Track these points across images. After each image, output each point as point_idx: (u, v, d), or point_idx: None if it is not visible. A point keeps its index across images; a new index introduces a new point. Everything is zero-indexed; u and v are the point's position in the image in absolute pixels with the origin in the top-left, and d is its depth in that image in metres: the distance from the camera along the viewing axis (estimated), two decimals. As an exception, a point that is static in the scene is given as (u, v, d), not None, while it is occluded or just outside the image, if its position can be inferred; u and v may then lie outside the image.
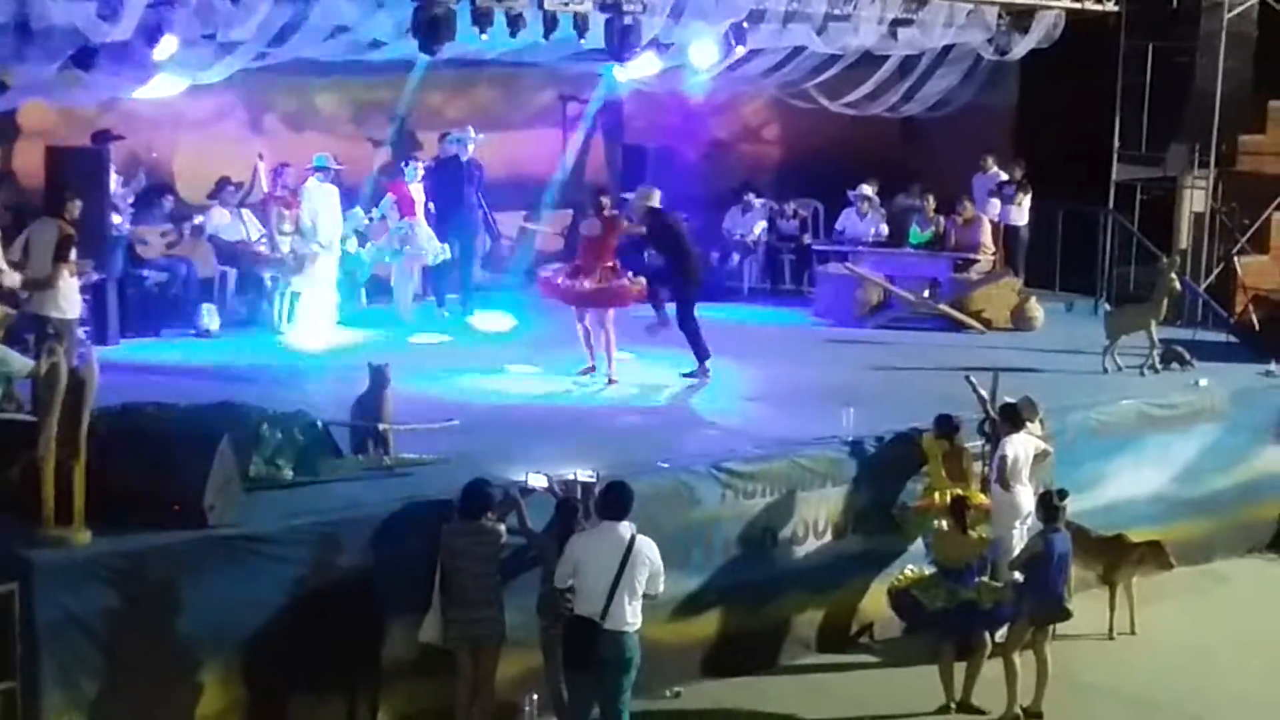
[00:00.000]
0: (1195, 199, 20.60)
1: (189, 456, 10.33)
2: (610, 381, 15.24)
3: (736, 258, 20.64)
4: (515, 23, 15.22)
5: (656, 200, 15.79)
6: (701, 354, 15.53)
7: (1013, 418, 13.12)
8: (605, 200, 15.73)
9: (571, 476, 11.33)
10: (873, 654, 13.37)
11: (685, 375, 15.53)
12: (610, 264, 15.39)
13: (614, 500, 10.54)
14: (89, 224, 13.93)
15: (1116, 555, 13.83)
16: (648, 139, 20.84)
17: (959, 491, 12.66)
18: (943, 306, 18.90)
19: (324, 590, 10.63)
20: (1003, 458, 12.91)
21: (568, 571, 10.45)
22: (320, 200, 17.02)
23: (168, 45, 14.35)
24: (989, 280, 19.27)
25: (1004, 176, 20.64)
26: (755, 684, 12.59)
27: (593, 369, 15.47)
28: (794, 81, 19.54)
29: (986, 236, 19.75)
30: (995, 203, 20.34)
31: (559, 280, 15.56)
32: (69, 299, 13.13)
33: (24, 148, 17.08)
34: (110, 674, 9.86)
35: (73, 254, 13.07)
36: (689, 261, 15.69)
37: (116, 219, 15.99)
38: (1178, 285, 17.22)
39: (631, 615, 10.38)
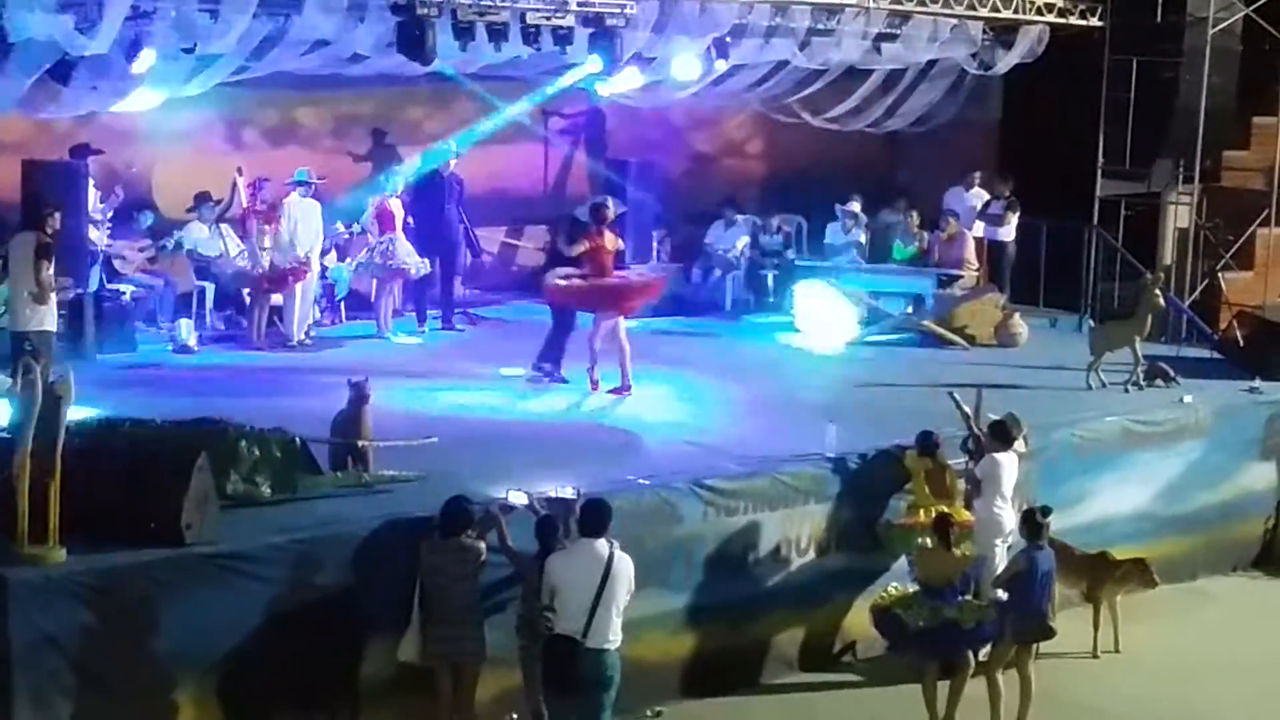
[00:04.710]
0: (1179, 215, 20.56)
1: (166, 474, 10.24)
2: (625, 389, 15.24)
3: (719, 273, 20.57)
4: (497, 36, 15.21)
5: None
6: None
7: (1003, 435, 13.06)
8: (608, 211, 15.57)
9: (552, 493, 11.28)
10: (855, 673, 13.29)
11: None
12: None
13: (593, 517, 10.47)
14: (67, 239, 13.85)
15: (1100, 573, 13.78)
16: (630, 153, 20.78)
17: (943, 509, 12.62)
18: (926, 323, 18.84)
19: (302, 608, 10.55)
20: (986, 474, 12.86)
21: (548, 590, 10.38)
22: (300, 214, 16.94)
23: (146, 59, 14.36)
24: (973, 296, 19.21)
25: (987, 197, 20.60)
26: (737, 703, 12.52)
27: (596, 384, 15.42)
28: (777, 96, 19.57)
29: (970, 252, 19.74)
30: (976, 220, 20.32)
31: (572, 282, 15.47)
32: (45, 314, 13.02)
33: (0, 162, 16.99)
34: (85, 693, 9.76)
35: (50, 262, 12.95)
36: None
37: (94, 234, 15.91)
38: (1162, 301, 17.17)
39: (613, 633, 10.31)
